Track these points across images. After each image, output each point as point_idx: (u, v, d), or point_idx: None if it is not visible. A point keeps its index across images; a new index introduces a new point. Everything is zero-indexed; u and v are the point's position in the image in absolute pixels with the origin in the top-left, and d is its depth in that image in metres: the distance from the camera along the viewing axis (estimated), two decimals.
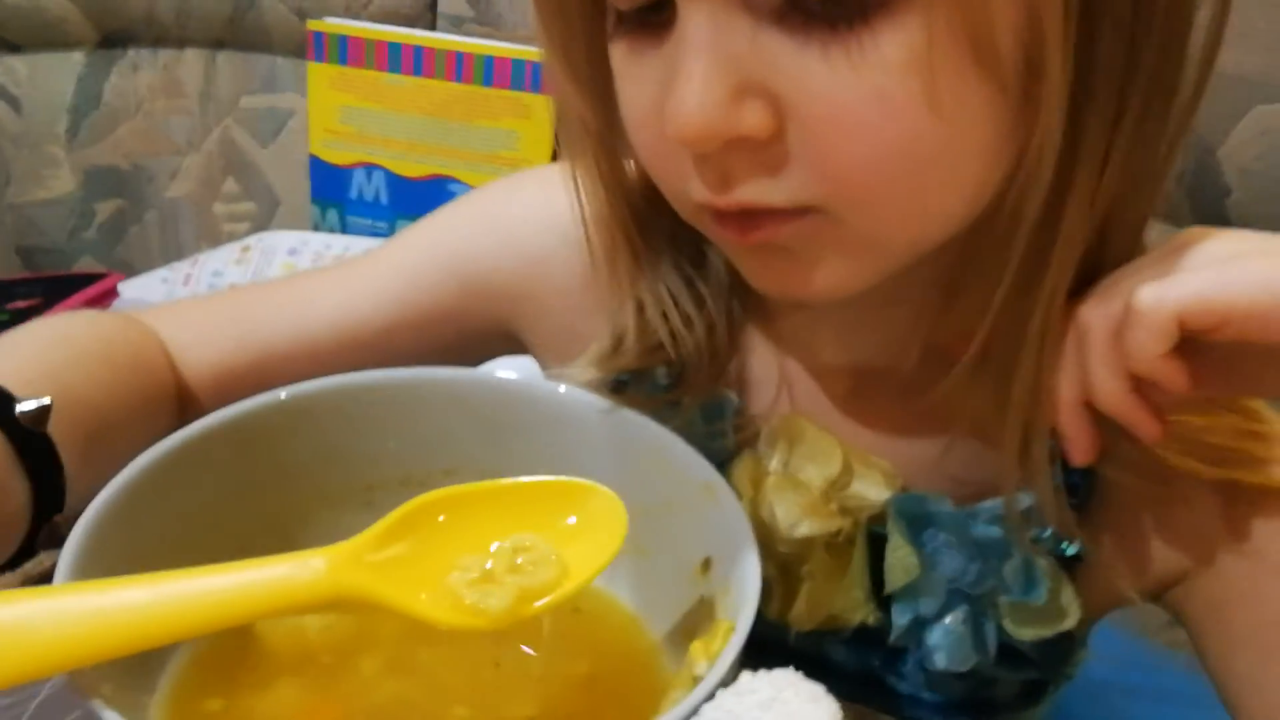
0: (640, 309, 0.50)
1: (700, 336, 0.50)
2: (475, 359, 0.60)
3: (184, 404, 0.55)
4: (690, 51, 0.37)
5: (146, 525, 0.43)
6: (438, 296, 0.57)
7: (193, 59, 1.42)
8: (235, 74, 1.43)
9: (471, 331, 0.58)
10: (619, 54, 0.42)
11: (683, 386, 0.51)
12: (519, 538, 0.40)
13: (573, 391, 0.47)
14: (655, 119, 0.39)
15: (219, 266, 1.37)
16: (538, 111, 1.33)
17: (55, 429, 0.46)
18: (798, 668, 0.37)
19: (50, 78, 1.41)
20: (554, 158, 1.36)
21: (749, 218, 0.41)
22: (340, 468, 0.49)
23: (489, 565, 0.39)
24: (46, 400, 0.45)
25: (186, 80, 1.44)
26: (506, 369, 0.58)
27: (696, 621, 0.43)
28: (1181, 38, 0.39)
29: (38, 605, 0.36)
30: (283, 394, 0.47)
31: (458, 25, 1.33)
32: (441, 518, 0.40)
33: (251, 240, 1.38)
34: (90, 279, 1.39)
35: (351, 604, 0.39)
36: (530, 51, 1.30)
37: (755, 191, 0.39)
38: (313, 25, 1.34)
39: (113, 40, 1.40)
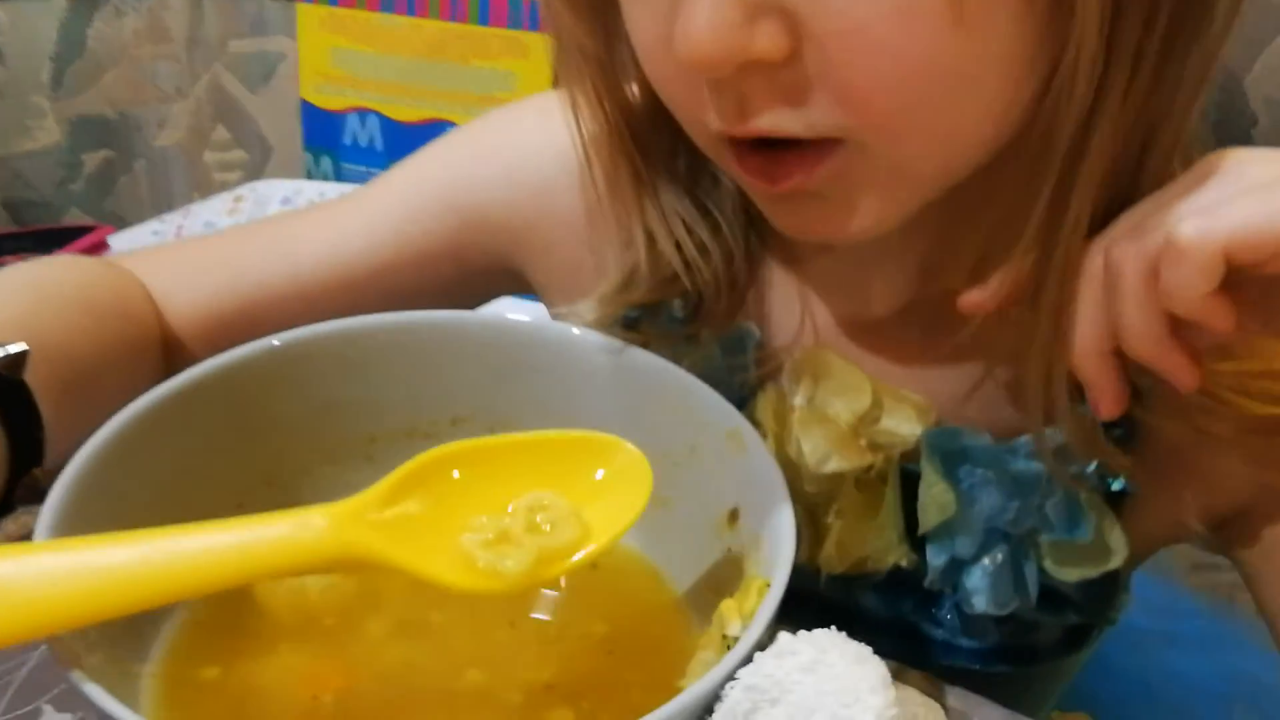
0: (651, 239, 0.47)
1: (717, 265, 0.47)
2: (478, 299, 0.57)
3: (170, 352, 0.52)
4: None
5: (132, 481, 0.40)
6: (436, 231, 0.53)
7: (178, 2, 1.37)
8: (222, 17, 1.39)
9: (473, 269, 0.54)
10: None
11: (700, 319, 0.48)
12: (537, 495, 0.37)
13: (586, 333, 0.44)
14: (666, 44, 0.36)
15: (211, 217, 1.33)
16: (536, 51, 1.29)
17: (32, 377, 0.43)
18: (825, 615, 0.34)
19: (31, 25, 1.37)
20: None
21: (776, 164, 0.38)
22: (339, 418, 0.46)
23: (505, 525, 0.36)
24: (23, 346, 0.42)
25: (172, 25, 1.39)
26: (512, 310, 0.55)
27: (724, 577, 0.40)
28: None
29: (17, 564, 0.33)
30: (276, 341, 0.44)
31: None
32: (456, 474, 0.37)
33: (244, 190, 1.34)
34: (79, 232, 1.36)
35: (356, 565, 0.36)
36: None
37: (774, 120, 0.37)
38: None
39: None
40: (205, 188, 1.44)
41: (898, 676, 0.34)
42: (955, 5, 0.33)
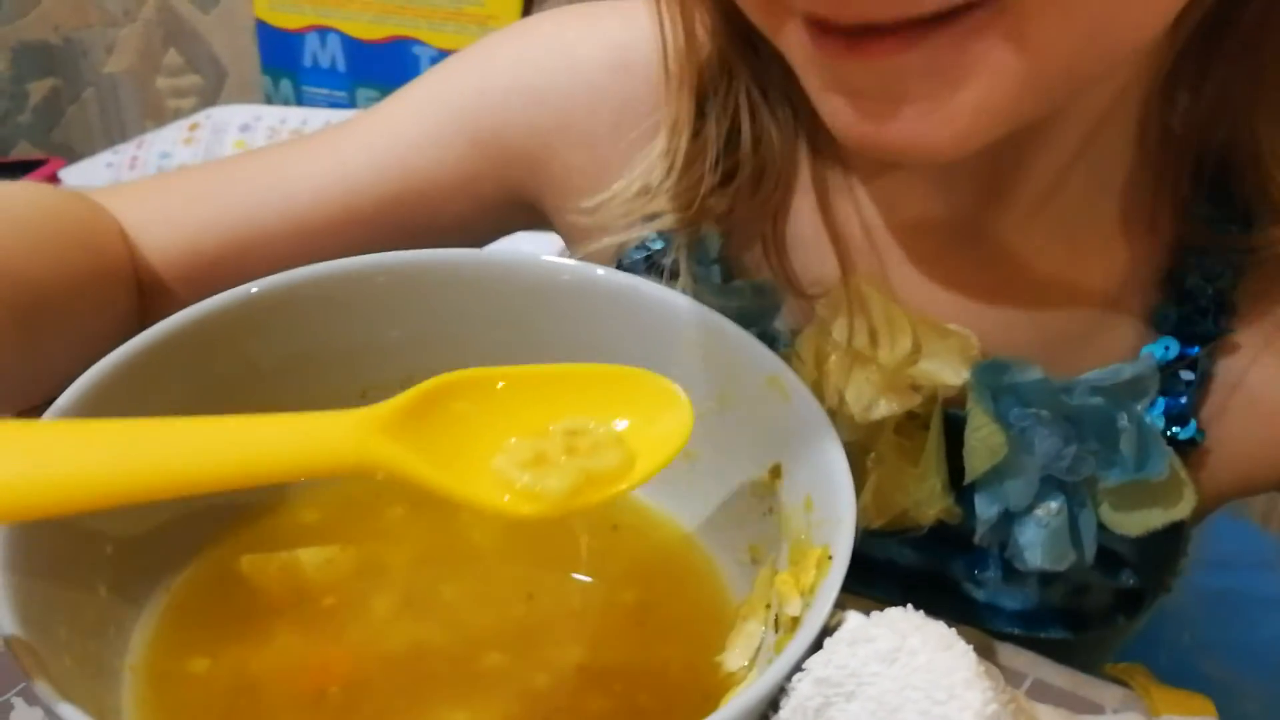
0: (695, 136, 0.42)
1: (766, 170, 0.42)
2: (490, 235, 0.52)
3: (149, 294, 0.48)
4: None
5: None
6: (446, 158, 0.48)
7: None
8: None
9: (486, 199, 0.49)
10: None
11: (734, 251, 0.44)
12: (573, 421, 0.33)
13: (609, 273, 0.40)
14: None
15: (166, 147, 1.27)
16: None
17: None
18: (856, 571, 0.30)
19: None
20: (525, 12, 1.25)
21: (866, 40, 0.31)
22: (327, 369, 0.41)
23: (542, 447, 0.32)
24: None
25: None
26: (525, 245, 0.50)
27: (767, 540, 0.36)
28: None
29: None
30: (254, 288, 0.39)
31: None
32: (474, 403, 0.33)
33: (200, 117, 1.28)
34: (28, 166, 1.29)
35: (381, 473, 0.31)
36: None
37: (873, 6, 0.29)
38: None
39: None
40: (159, 115, 1.37)
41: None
42: None
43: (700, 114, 0.42)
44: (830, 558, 0.30)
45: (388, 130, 0.49)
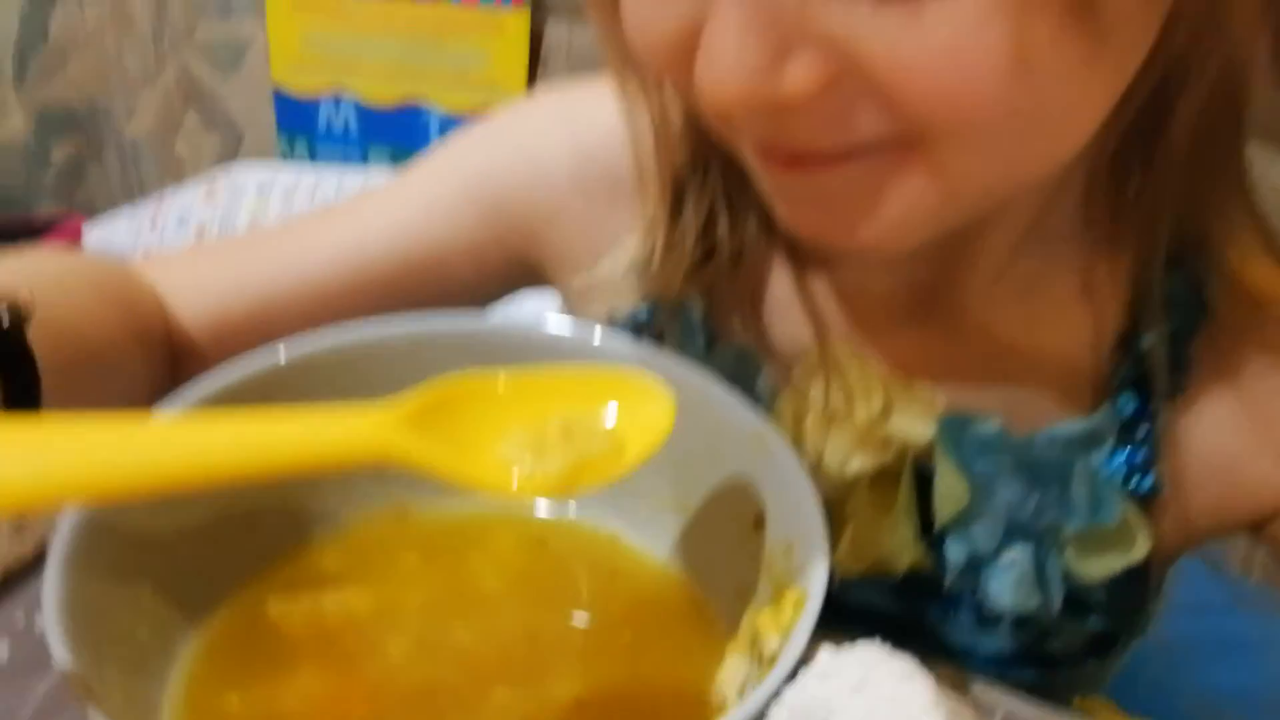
0: (674, 222, 0.46)
1: (745, 246, 0.47)
2: (496, 295, 0.55)
3: (180, 353, 0.51)
4: None
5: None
6: (455, 228, 0.52)
7: None
8: (188, 1, 1.36)
9: (492, 265, 0.53)
10: None
11: (715, 321, 0.47)
12: (568, 414, 0.37)
13: (606, 337, 0.43)
14: (680, 55, 0.34)
15: (185, 205, 1.31)
16: (510, 28, 1.27)
17: (36, 348, 0.41)
18: (838, 617, 0.33)
19: None
20: (530, 75, 1.30)
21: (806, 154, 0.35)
22: None
23: (541, 435, 0.36)
24: (29, 302, 0.41)
25: (136, 10, 1.37)
26: (530, 301, 0.54)
27: (751, 584, 0.39)
28: None
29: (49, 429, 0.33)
30: (281, 354, 0.42)
31: None
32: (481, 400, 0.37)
33: (218, 176, 1.32)
34: (52, 224, 1.33)
35: (397, 459, 0.35)
36: None
37: (814, 139, 0.34)
38: None
39: None
40: (178, 175, 1.42)
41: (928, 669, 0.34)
42: (1017, 44, 0.30)
43: (679, 202, 0.45)
44: (806, 598, 0.34)
45: (401, 202, 0.53)
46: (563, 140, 0.52)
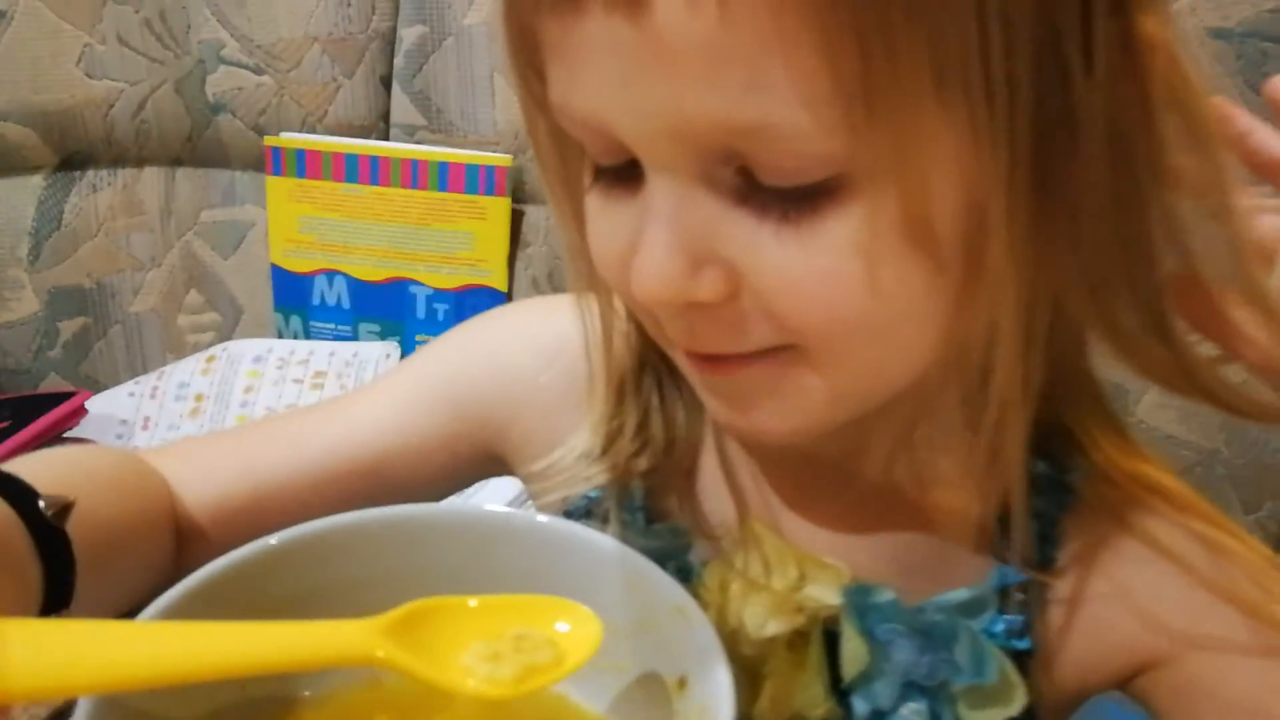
0: (617, 418, 0.54)
1: (676, 439, 0.54)
2: (469, 481, 0.63)
3: (186, 535, 0.58)
4: (654, 220, 0.41)
5: None
6: (431, 423, 0.60)
7: (151, 177, 1.45)
8: (194, 190, 1.46)
9: (463, 456, 0.61)
10: (594, 202, 0.45)
11: (656, 501, 0.55)
12: (520, 630, 0.45)
13: (553, 521, 0.51)
14: (623, 268, 0.43)
15: (185, 377, 1.38)
16: (491, 213, 1.37)
17: (72, 536, 0.48)
18: None
19: (10, 202, 1.43)
20: (510, 256, 1.40)
21: (721, 358, 0.44)
22: (334, 598, 0.51)
23: (496, 647, 0.44)
24: (71, 499, 0.48)
25: (146, 198, 1.46)
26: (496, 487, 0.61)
27: None
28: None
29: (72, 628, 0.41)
30: (272, 540, 0.50)
31: (411, 134, 1.37)
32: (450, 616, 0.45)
33: (216, 350, 1.40)
34: (58, 398, 1.40)
35: (379, 663, 0.43)
36: (482, 157, 1.34)
37: (718, 344, 0.43)
38: (269, 141, 1.38)
39: (71, 163, 1.43)
40: (179, 349, 1.49)
41: None
42: (873, 275, 0.40)
43: (621, 401, 0.54)
44: None
45: (386, 401, 0.61)
46: (525, 347, 0.60)
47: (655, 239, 0.41)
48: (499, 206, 1.36)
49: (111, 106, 1.39)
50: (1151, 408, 1.09)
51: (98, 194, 1.46)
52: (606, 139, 0.42)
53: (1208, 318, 0.45)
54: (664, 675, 0.47)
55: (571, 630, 0.45)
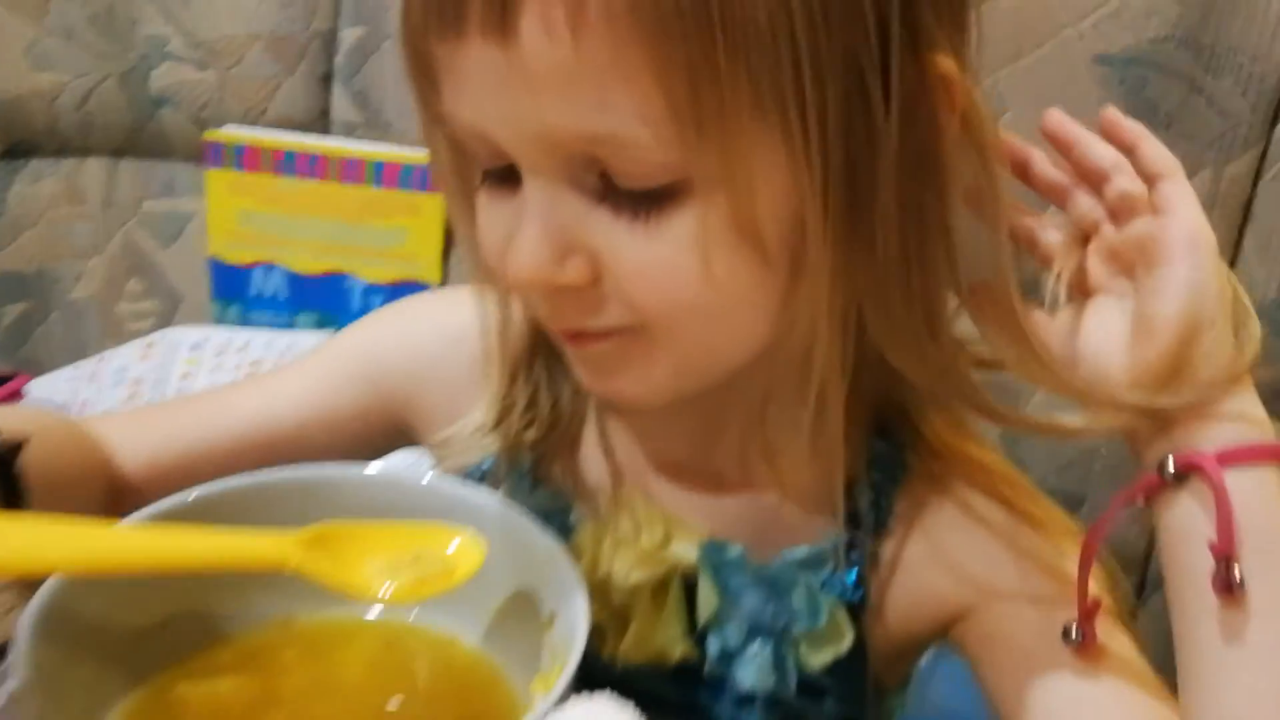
0: (509, 396, 0.61)
1: (561, 415, 0.61)
2: (380, 451, 0.70)
3: (118, 489, 0.64)
4: (527, 215, 0.48)
5: (106, 589, 0.53)
6: (347, 395, 0.67)
7: (94, 167, 1.49)
8: (136, 180, 1.49)
9: (375, 426, 0.68)
10: (481, 200, 0.52)
11: (543, 468, 0.62)
12: (416, 550, 0.53)
13: (442, 480, 0.58)
14: (503, 256, 0.50)
15: (123, 363, 1.42)
16: (426, 209, 1.42)
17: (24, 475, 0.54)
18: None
19: None
20: (444, 251, 1.45)
21: (585, 333, 0.51)
22: None
23: (395, 560, 0.52)
24: (24, 436, 0.54)
25: (88, 187, 1.50)
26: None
27: (544, 661, 0.53)
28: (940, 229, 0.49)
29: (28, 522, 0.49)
30: (190, 495, 0.56)
31: (350, 131, 1.41)
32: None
33: (155, 336, 1.43)
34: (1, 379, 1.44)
35: (293, 568, 0.51)
36: (417, 156, 1.39)
37: (579, 321, 0.50)
38: (209, 135, 1.42)
39: (15, 151, 1.47)
40: (118, 335, 1.53)
41: None
42: (706, 267, 0.47)
43: (513, 381, 0.61)
44: (563, 668, 0.47)
45: (302, 375, 0.68)
46: (433, 332, 0.67)
47: (528, 232, 0.48)
48: (432, 203, 1.41)
49: (56, 98, 1.42)
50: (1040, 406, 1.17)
51: (41, 182, 1.49)
52: (489, 146, 0.48)
53: (1001, 325, 0.52)
54: (539, 614, 0.54)
55: (458, 550, 0.53)
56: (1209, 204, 0.99)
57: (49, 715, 0.45)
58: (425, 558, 0.52)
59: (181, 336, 1.43)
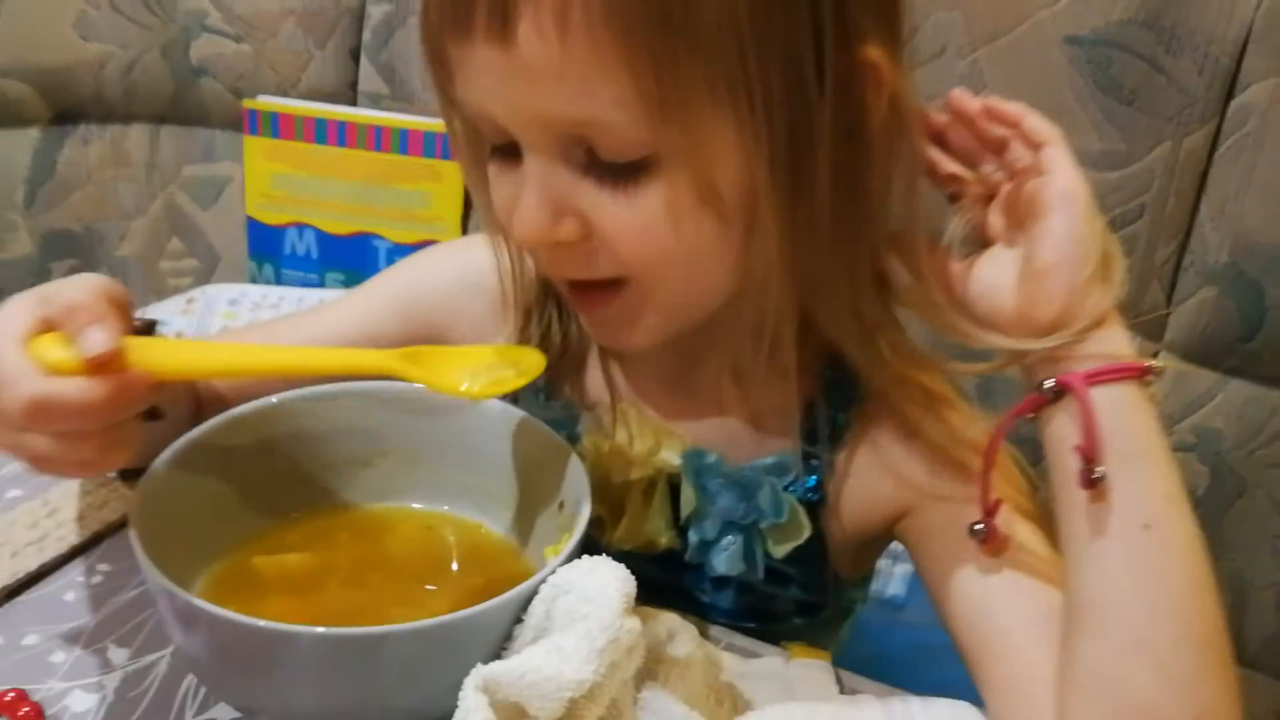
0: (529, 329, 0.72)
1: (570, 346, 0.72)
2: None
3: (204, 399, 0.74)
4: (527, 184, 0.58)
5: (197, 480, 0.64)
6: (383, 328, 0.77)
7: (138, 133, 1.56)
8: (177, 146, 1.57)
9: None
10: (492, 170, 0.62)
11: (554, 387, 0.73)
12: (490, 361, 0.65)
13: (480, 402, 0.68)
14: (509, 218, 0.60)
15: (165, 317, 1.52)
16: (447, 175, 1.50)
17: None
18: None
19: (8, 152, 1.54)
20: (464, 214, 1.54)
21: (586, 295, 0.62)
22: (314, 441, 0.69)
23: (475, 369, 0.63)
24: (152, 319, 0.64)
25: (133, 152, 1.57)
26: None
27: (555, 540, 0.64)
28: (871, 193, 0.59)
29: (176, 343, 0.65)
30: (274, 399, 0.67)
31: (376, 101, 1.49)
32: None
33: (195, 293, 1.51)
34: None
35: (393, 374, 0.63)
36: (438, 125, 1.46)
37: (577, 272, 0.61)
38: (247, 103, 1.50)
39: (64, 117, 1.53)
40: (160, 291, 1.61)
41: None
42: (676, 226, 0.56)
43: (528, 318, 0.71)
44: (570, 535, 0.58)
45: (347, 309, 0.79)
46: (457, 272, 0.78)
47: (527, 199, 0.57)
48: (452, 170, 1.49)
49: (103, 67, 1.50)
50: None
51: (88, 146, 1.56)
52: (494, 126, 0.58)
53: (910, 265, 0.61)
54: (551, 503, 0.66)
55: (523, 361, 0.64)
56: (1168, 174, 1.08)
57: (154, 580, 0.56)
58: (497, 366, 0.64)
59: (220, 293, 1.52)
